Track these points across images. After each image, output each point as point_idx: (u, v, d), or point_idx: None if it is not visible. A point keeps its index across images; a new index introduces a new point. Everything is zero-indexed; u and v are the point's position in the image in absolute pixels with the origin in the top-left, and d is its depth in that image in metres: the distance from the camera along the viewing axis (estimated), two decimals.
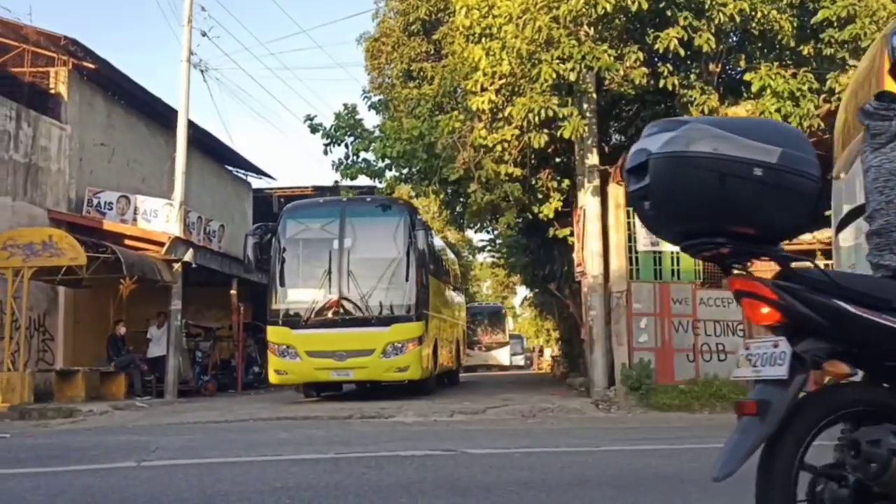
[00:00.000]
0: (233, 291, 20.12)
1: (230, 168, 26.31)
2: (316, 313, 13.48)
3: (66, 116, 17.29)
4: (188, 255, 17.08)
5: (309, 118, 15.78)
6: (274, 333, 13.81)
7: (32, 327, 15.63)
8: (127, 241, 16.51)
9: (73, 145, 17.44)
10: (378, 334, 13.23)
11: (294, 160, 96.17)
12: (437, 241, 19.25)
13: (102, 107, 18.84)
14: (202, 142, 21.97)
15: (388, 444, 6.64)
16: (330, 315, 13.46)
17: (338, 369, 13.23)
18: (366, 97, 18.42)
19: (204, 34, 18.83)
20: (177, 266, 16.83)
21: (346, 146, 15.29)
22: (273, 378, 13.96)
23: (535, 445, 6.55)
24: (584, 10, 11.81)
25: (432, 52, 18.52)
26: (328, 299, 13.53)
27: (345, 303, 13.43)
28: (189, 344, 18.28)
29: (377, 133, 15.56)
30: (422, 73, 17.85)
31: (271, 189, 28.08)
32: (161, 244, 16.71)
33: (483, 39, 12.64)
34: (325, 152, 15.25)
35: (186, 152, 17.56)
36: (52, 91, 17.32)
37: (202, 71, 18.94)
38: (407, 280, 13.66)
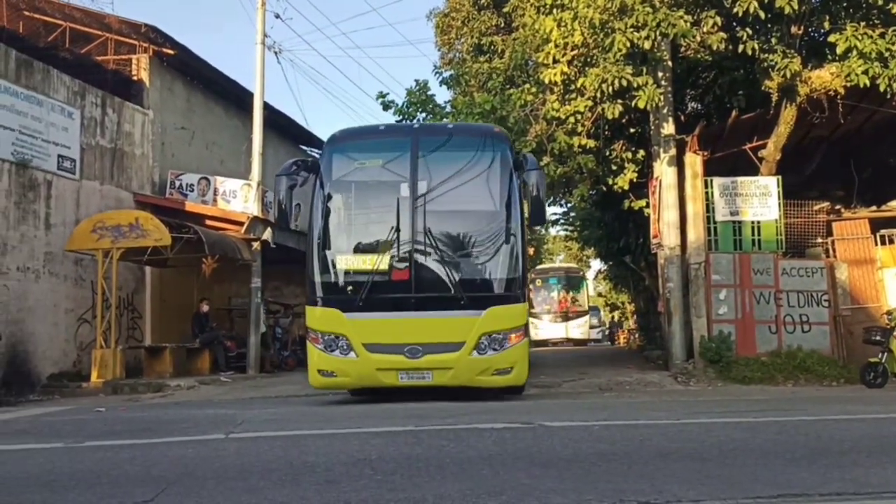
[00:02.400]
0: None
1: (305, 148, 26.72)
2: (379, 290, 9.13)
3: (148, 102, 17.84)
4: (266, 234, 17.48)
5: (381, 95, 15.94)
6: (316, 318, 9.32)
7: (122, 306, 16.29)
8: (208, 222, 17.00)
9: (156, 130, 17.99)
10: (469, 321, 9.01)
11: None
12: None
13: (182, 91, 19.35)
14: (277, 123, 22.36)
15: (465, 416, 6.70)
16: (399, 293, 9.15)
17: (409, 370, 9.05)
18: (437, 73, 18.51)
19: (277, 16, 19.27)
20: (256, 245, 17.25)
21: (419, 122, 15.34)
22: (315, 380, 9.41)
23: (613, 419, 6.51)
24: None
25: (502, 25, 18.36)
26: (396, 270, 9.17)
27: (421, 275, 9.12)
28: (269, 320, 18.74)
29: (449, 108, 15.58)
30: (492, 47, 17.72)
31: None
32: (240, 224, 17.15)
33: (554, 10, 12.46)
34: None
35: (262, 133, 17.91)
36: (135, 77, 17.88)
37: (276, 53, 19.26)
38: (507, 243, 9.29)
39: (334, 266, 9.42)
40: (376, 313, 9.10)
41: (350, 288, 9.23)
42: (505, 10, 17.51)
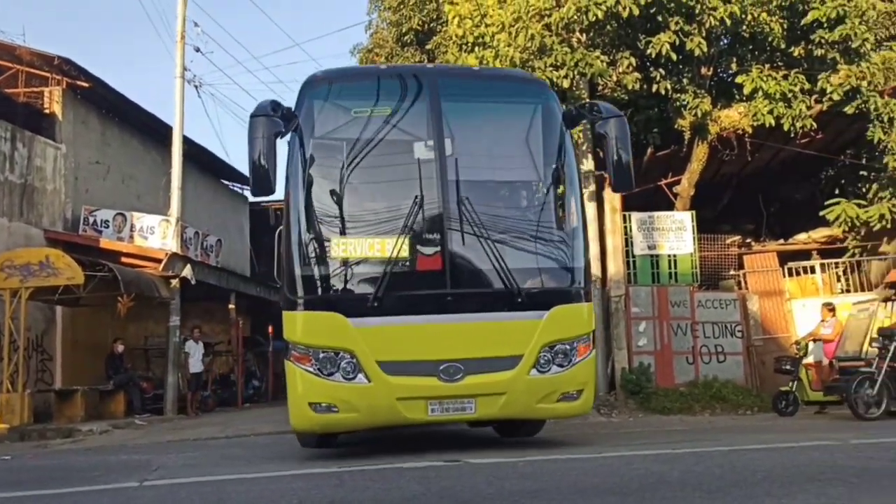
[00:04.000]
0: (231, 305, 20.11)
1: (226, 182, 26.31)
2: (398, 285, 6.46)
3: (60, 136, 17.29)
4: (186, 271, 17.06)
5: None
6: (304, 327, 6.53)
7: (31, 348, 15.59)
8: (124, 259, 16.50)
9: (69, 164, 17.43)
10: (528, 325, 6.55)
11: None
12: None
13: (97, 125, 18.84)
14: (198, 157, 21.98)
15: (389, 456, 6.63)
16: (428, 288, 6.52)
17: (444, 399, 6.40)
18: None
19: (197, 50, 18.89)
20: (174, 282, 16.80)
21: None
22: (303, 419, 6.51)
23: (537, 454, 6.54)
24: (575, 17, 11.90)
25: (426, 61, 18.54)
26: (423, 256, 6.57)
27: (459, 263, 6.55)
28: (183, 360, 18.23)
29: None
30: None
31: (267, 202, 28.09)
32: (158, 261, 16.70)
33: (476, 48, 12.70)
34: None
35: (182, 168, 17.55)
36: (47, 111, 17.33)
37: (196, 86, 18.99)
38: (568, 222, 6.98)
39: (328, 253, 6.50)
40: (396, 318, 6.36)
41: (356, 283, 6.48)
42: (428, 46, 17.75)
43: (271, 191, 6.38)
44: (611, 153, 6.91)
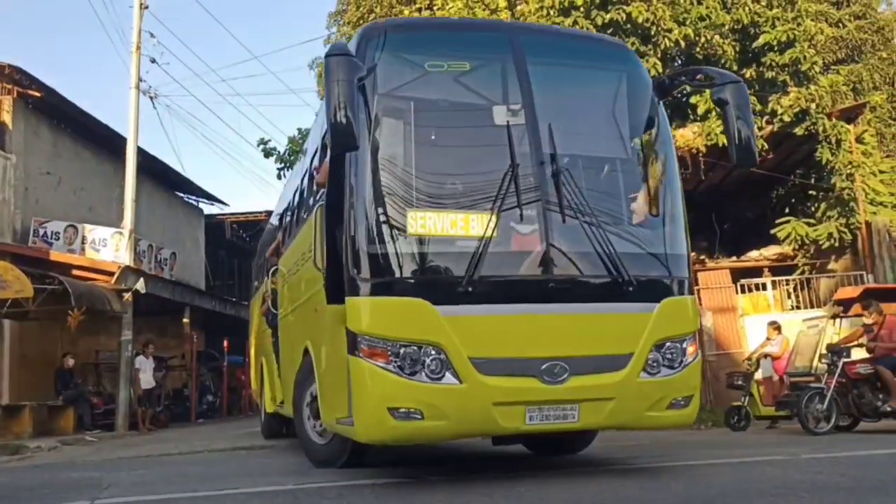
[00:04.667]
0: (185, 320, 19.84)
1: (181, 195, 25.98)
2: (491, 268, 5.40)
3: (10, 146, 16.93)
4: (139, 284, 16.78)
5: (262, 142, 15.77)
6: (379, 315, 5.37)
7: None
8: (75, 272, 16.17)
9: (18, 175, 17.06)
10: (638, 319, 5.66)
11: (247, 186, 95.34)
12: None
13: (48, 135, 18.48)
14: (152, 169, 21.69)
15: (356, 470, 6.57)
16: (525, 272, 5.54)
17: (545, 405, 5.41)
18: None
19: (153, 61, 18.69)
20: (127, 295, 16.51)
21: None
22: (379, 427, 5.29)
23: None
24: None
25: None
26: (519, 235, 5.63)
27: (559, 244, 5.54)
28: (134, 375, 17.93)
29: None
30: None
31: (223, 215, 27.83)
32: (111, 274, 16.40)
33: None
34: (279, 177, 15.26)
35: (136, 179, 17.31)
36: None
37: (151, 98, 18.78)
38: (670, 203, 6.12)
39: (405, 228, 5.35)
40: (493, 306, 5.38)
41: (442, 264, 5.44)
42: None
43: (355, 146, 5.16)
44: (731, 124, 5.88)
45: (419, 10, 14.67)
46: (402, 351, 5.21)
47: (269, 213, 23.17)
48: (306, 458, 7.30)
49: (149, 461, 10.06)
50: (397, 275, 5.34)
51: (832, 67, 15.95)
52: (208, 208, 27.73)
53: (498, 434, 5.83)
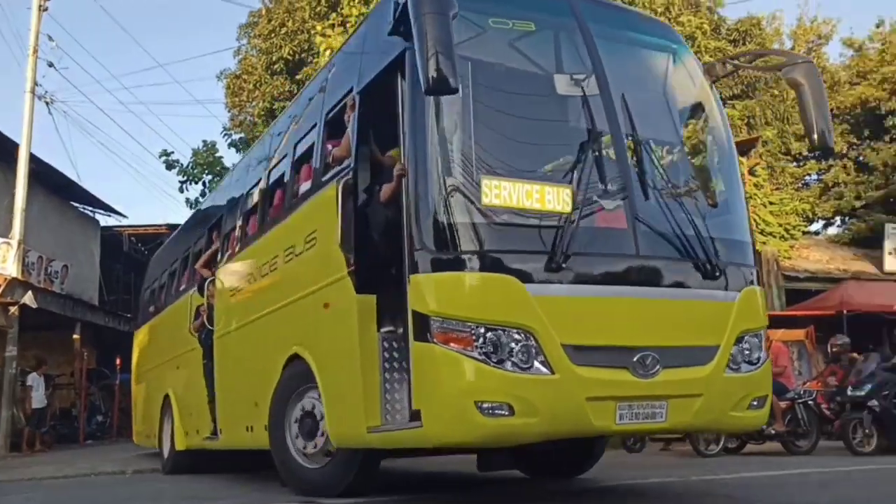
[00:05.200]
0: (76, 336, 18.95)
1: (76, 205, 24.88)
2: (581, 245, 4.72)
3: None
4: (27, 298, 15.92)
5: (165, 153, 15.31)
6: (460, 293, 4.60)
7: None
8: None
9: None
10: (720, 308, 5.13)
11: (148, 198, 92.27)
12: None
13: None
14: (46, 177, 20.67)
15: (237, 498, 6.37)
16: (613, 250, 4.95)
17: (635, 400, 4.74)
18: (226, 135, 18.06)
19: (51, 65, 17.92)
20: (13, 309, 15.65)
21: (204, 184, 14.90)
22: (462, 426, 4.47)
23: None
24: None
25: (296, 91, 18.39)
26: (605, 211, 4.98)
27: (647, 222, 4.96)
28: (24, 393, 17.00)
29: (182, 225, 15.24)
30: None
31: (121, 227, 26.78)
32: None
33: None
34: (182, 190, 14.83)
35: (27, 188, 16.49)
36: None
37: (48, 103, 17.95)
38: (732, 190, 5.77)
39: (480, 198, 4.61)
40: (585, 286, 4.75)
41: (528, 238, 4.71)
42: (298, 77, 17.62)
43: (454, 88, 4.33)
44: (807, 107, 5.34)
45: (332, 25, 14.59)
46: (488, 335, 4.44)
47: (171, 227, 22.48)
48: (287, 486, 6.21)
49: (31, 485, 9.51)
50: (477, 247, 4.57)
51: (728, 102, 16.70)
52: (105, 220, 26.62)
53: (588, 434, 5.04)
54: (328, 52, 13.00)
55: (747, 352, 5.11)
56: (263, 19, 19.37)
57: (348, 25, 13.97)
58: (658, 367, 4.68)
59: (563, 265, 4.59)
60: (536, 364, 4.45)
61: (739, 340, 5.06)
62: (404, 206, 4.75)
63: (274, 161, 7.40)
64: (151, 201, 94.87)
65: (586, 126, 4.98)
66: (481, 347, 4.39)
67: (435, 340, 4.43)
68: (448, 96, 4.51)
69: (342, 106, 5.81)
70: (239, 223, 8.20)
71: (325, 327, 5.52)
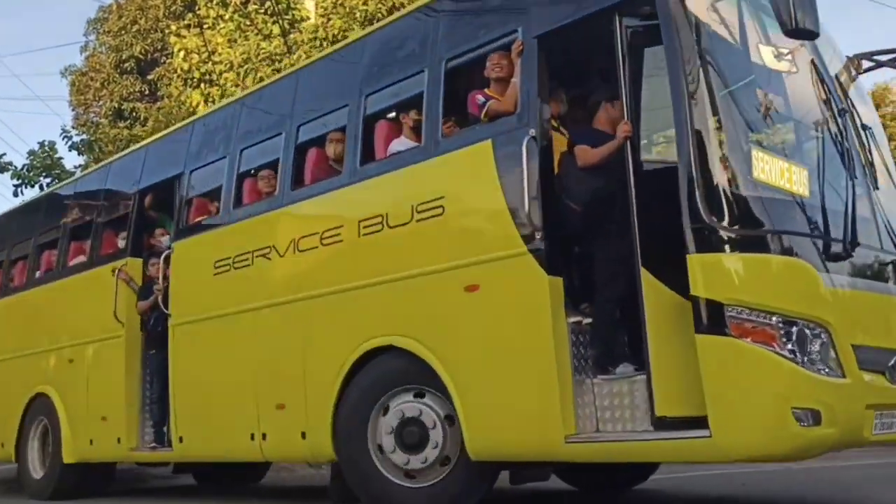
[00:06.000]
0: None
1: None
2: (856, 235, 4.23)
3: None
4: None
5: None
6: (752, 275, 3.90)
7: None
8: None
9: None
10: None
11: None
12: None
13: None
14: None
15: None
16: (873, 241, 4.60)
17: (886, 409, 4.18)
18: (65, 136, 16.79)
19: None
20: None
21: (42, 188, 13.81)
22: (775, 437, 3.77)
23: None
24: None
25: (147, 92, 17.65)
26: (861, 198, 4.56)
27: (886, 219, 4.82)
28: None
29: (80, 175, 14.23)
30: (134, 114, 17.04)
31: None
32: None
33: (202, 84, 12.23)
34: (16, 194, 13.70)
35: None
36: None
37: None
38: None
39: (764, 175, 4.12)
40: (861, 280, 4.35)
41: (813, 221, 4.27)
42: (150, 77, 16.91)
43: (818, 33, 4.05)
44: None
45: (188, 26, 13.94)
46: (791, 330, 3.85)
47: None
48: None
49: None
50: (771, 226, 4.01)
51: None
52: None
53: (858, 445, 4.31)
54: (182, 53, 12.47)
55: None
56: (114, 15, 18.48)
57: (205, 27, 13.41)
58: None
59: (854, 256, 4.19)
60: (832, 365, 3.93)
61: None
62: (681, 176, 4.00)
63: (311, 114, 5.98)
64: None
65: (832, 108, 4.62)
66: (788, 344, 3.81)
67: (732, 333, 3.80)
68: (716, 56, 4.12)
69: (481, 52, 4.90)
70: (224, 185, 6.47)
71: (464, 314, 4.59)
